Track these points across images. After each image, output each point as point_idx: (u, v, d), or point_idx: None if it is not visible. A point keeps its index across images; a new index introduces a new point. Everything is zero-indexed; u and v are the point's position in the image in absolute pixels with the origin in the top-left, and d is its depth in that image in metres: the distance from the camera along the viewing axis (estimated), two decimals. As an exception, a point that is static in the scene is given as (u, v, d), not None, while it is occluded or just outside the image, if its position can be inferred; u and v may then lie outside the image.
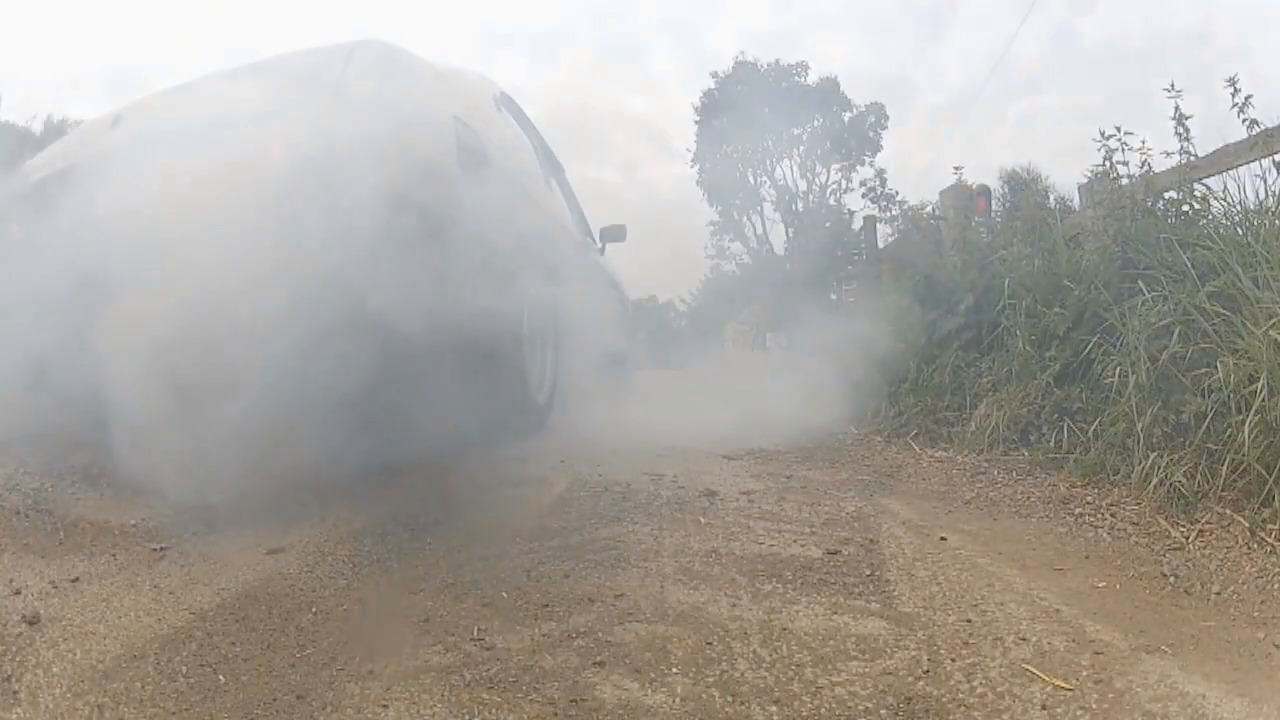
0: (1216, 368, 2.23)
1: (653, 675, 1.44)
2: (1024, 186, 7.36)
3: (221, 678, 1.43)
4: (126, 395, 1.99)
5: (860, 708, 1.34)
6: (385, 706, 1.35)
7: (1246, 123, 2.81)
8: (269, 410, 1.97)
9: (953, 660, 1.49)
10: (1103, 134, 3.12)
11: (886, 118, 20.35)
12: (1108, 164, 3.15)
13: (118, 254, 1.98)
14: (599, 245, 4.57)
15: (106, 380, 1.99)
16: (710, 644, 1.56)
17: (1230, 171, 2.84)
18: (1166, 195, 2.97)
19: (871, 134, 20.38)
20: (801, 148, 20.59)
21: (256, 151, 2.06)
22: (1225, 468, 2.13)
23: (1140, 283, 2.68)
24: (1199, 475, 2.19)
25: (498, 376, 2.77)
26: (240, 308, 1.96)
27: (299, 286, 1.99)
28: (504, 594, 1.79)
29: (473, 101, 2.88)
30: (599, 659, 1.50)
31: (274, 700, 1.36)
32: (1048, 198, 6.12)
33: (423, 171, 2.31)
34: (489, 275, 2.59)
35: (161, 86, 2.75)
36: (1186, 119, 2.95)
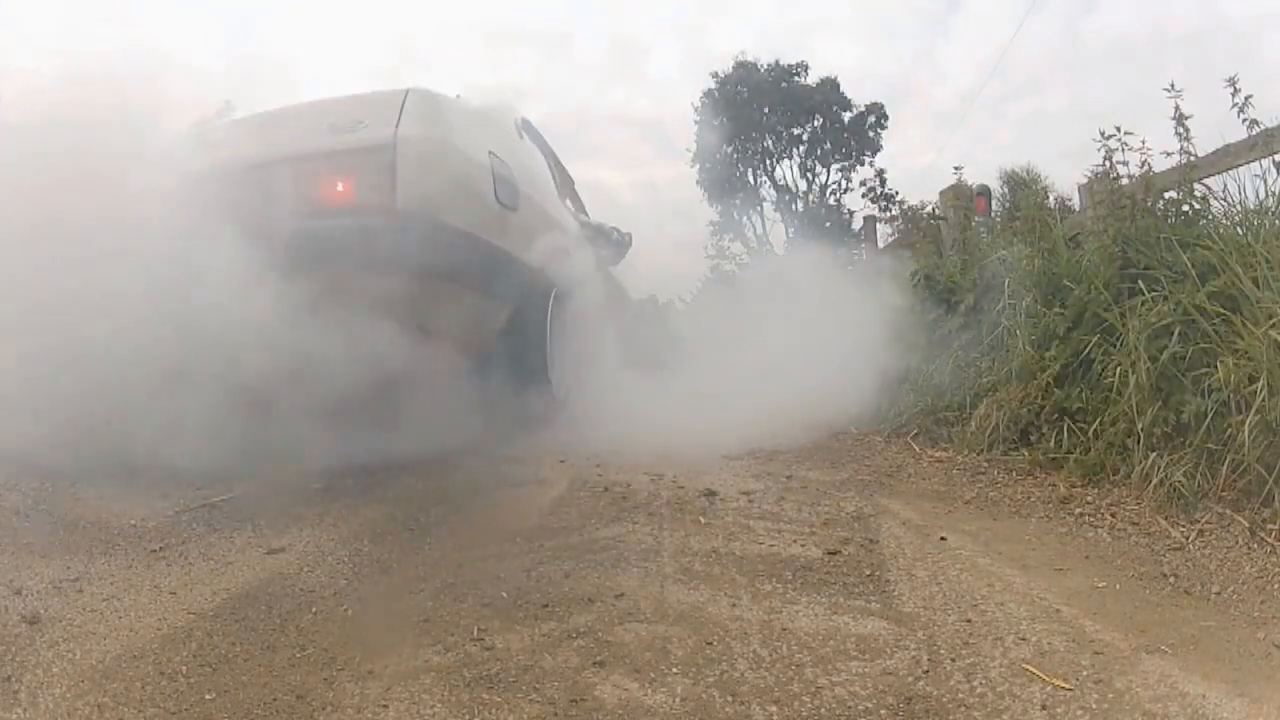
0: (1216, 368, 2.23)
1: (653, 675, 1.44)
2: (1023, 186, 7.35)
3: (221, 678, 1.43)
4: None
5: (860, 708, 1.34)
6: (385, 706, 1.35)
7: (1246, 123, 2.80)
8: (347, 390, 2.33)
9: (953, 660, 1.49)
10: (1103, 134, 3.11)
11: (886, 118, 20.30)
12: (1108, 164, 3.14)
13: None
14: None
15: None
16: (710, 644, 1.56)
17: (1230, 171, 2.84)
18: (1166, 195, 2.97)
19: (871, 134, 20.34)
20: (801, 148, 20.56)
21: (327, 192, 2.43)
22: (1225, 468, 2.12)
23: (1140, 283, 2.68)
24: (1199, 475, 2.19)
25: (528, 376, 3.13)
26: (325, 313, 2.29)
27: (364, 302, 2.33)
28: (504, 594, 1.79)
29: (502, 134, 3.19)
30: (599, 659, 1.50)
31: (274, 700, 1.37)
32: (1047, 197, 6.12)
33: (468, 205, 2.64)
34: (521, 289, 2.92)
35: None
36: (1186, 119, 2.94)
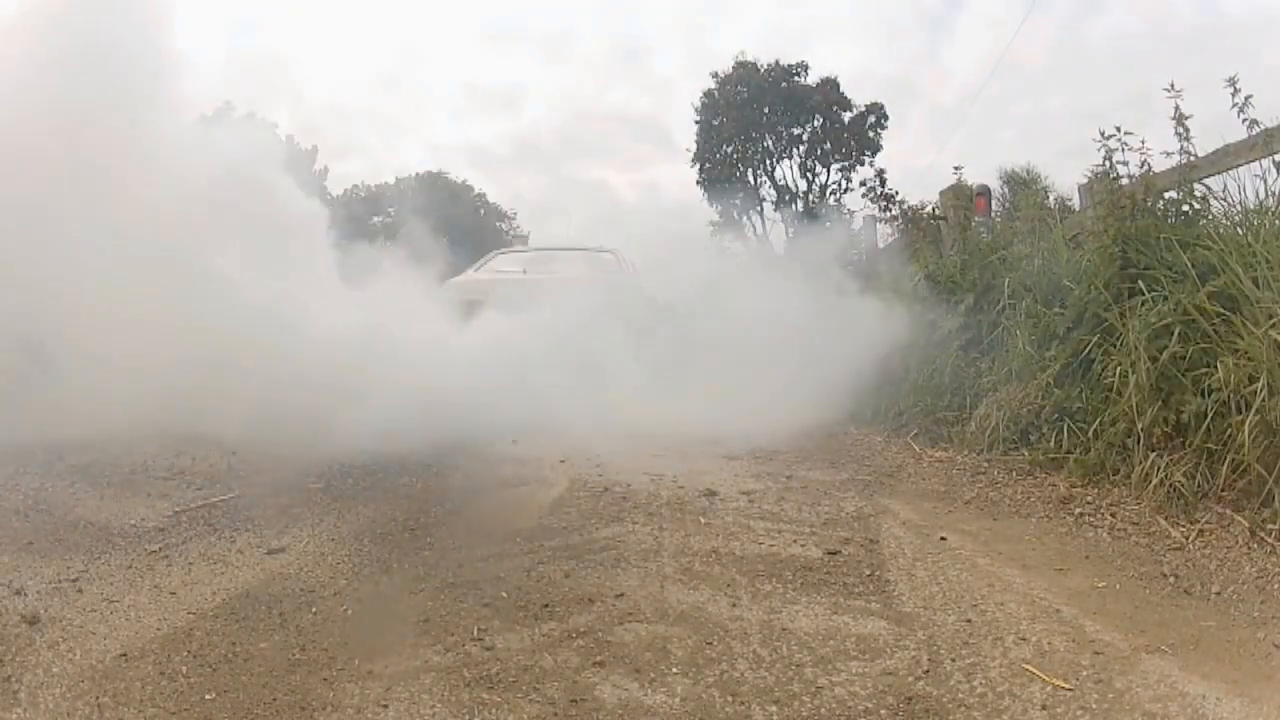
0: (1216, 368, 2.23)
1: (653, 675, 1.45)
2: (1023, 186, 7.34)
3: (221, 678, 1.43)
4: None
5: (860, 708, 1.35)
6: (385, 706, 1.35)
7: (1246, 123, 2.79)
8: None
9: (953, 660, 1.49)
10: (1103, 134, 3.10)
11: (886, 118, 20.29)
12: (1108, 164, 3.13)
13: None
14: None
15: None
16: (710, 644, 1.56)
17: (1230, 171, 2.83)
18: (1166, 195, 2.96)
19: (871, 134, 20.32)
20: (801, 148, 20.55)
21: (598, 284, 6.07)
22: (1225, 468, 2.12)
23: (1140, 283, 2.68)
24: (1199, 475, 2.19)
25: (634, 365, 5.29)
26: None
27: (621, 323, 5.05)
28: (504, 594, 1.79)
29: (632, 262, 6.98)
30: (599, 659, 1.50)
31: (274, 700, 1.37)
32: (1047, 197, 6.11)
33: (635, 305, 5.71)
34: (645, 329, 5.34)
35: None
36: (1186, 119, 2.94)
